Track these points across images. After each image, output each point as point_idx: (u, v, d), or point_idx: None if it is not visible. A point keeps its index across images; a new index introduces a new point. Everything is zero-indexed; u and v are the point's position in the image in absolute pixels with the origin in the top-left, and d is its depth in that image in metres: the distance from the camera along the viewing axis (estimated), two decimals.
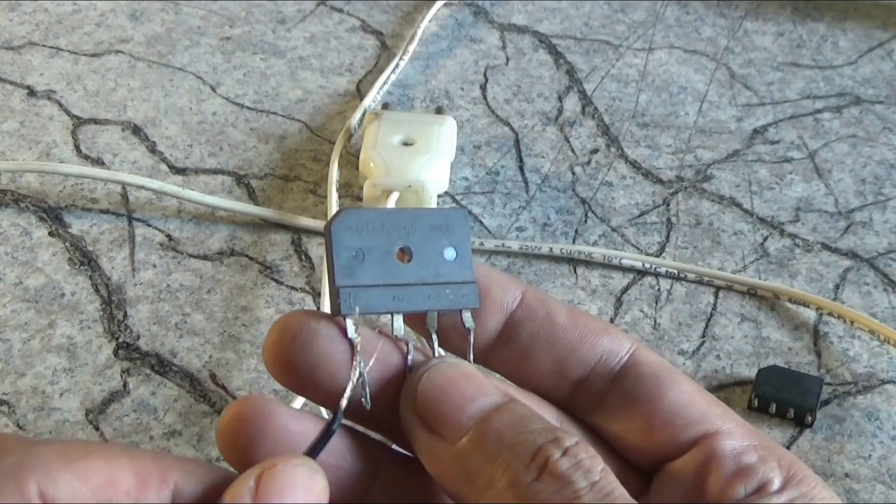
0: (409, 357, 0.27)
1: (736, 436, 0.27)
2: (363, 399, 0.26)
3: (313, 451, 0.25)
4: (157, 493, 0.24)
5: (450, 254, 0.27)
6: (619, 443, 0.28)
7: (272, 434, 0.25)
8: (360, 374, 0.26)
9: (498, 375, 0.29)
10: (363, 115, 0.56)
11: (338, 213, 0.26)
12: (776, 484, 0.26)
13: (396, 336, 0.27)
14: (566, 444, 0.24)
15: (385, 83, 0.59)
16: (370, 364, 0.26)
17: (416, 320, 0.28)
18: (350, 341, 0.26)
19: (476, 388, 0.26)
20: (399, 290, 0.26)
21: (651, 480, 0.28)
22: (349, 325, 0.26)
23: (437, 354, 0.28)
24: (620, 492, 0.24)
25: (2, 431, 0.43)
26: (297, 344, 0.25)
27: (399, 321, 0.27)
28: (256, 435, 0.25)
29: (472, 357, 0.28)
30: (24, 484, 0.22)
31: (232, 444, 0.25)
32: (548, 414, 0.28)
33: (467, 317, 0.27)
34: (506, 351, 0.28)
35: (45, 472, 0.22)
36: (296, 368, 0.26)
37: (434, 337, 0.28)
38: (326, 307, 0.47)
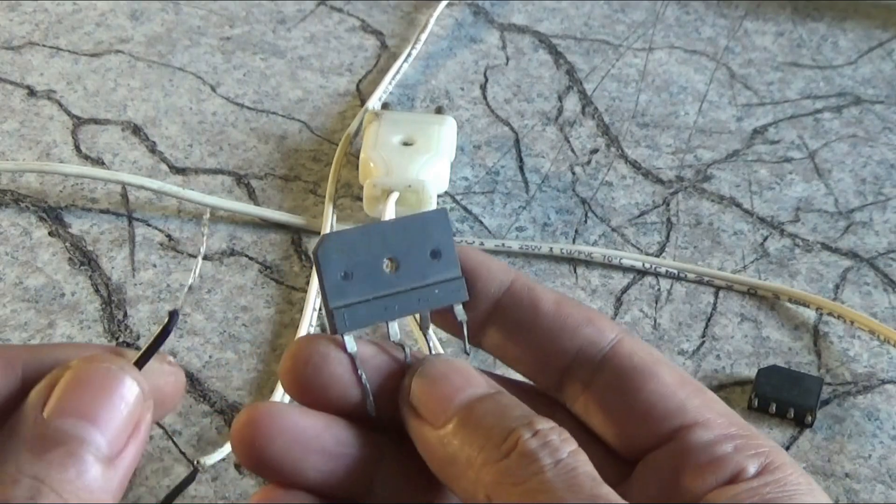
0: (407, 359, 0.28)
1: (713, 427, 0.28)
2: (368, 408, 0.28)
3: (141, 361, 0.26)
4: (4, 376, 0.25)
5: (435, 254, 0.28)
6: (600, 432, 0.29)
7: (283, 433, 0.27)
8: (364, 385, 0.28)
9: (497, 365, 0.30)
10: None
11: (322, 239, 0.27)
12: (751, 472, 0.27)
13: (394, 342, 0.28)
14: (538, 427, 0.25)
15: (390, 84, 0.59)
16: (368, 375, 0.28)
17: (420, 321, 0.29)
18: (350, 356, 0.28)
19: (465, 380, 0.27)
20: (390, 299, 0.28)
21: (633, 469, 0.29)
22: (347, 341, 0.27)
23: (433, 353, 0.29)
24: (585, 469, 0.25)
25: None
26: (310, 370, 0.27)
27: (394, 327, 0.28)
28: (268, 436, 0.26)
29: (466, 347, 0.29)
30: None
31: (247, 449, 0.27)
32: (540, 406, 0.29)
33: (459, 310, 0.29)
34: (494, 336, 0.29)
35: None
36: (311, 391, 0.28)
37: (430, 334, 0.29)
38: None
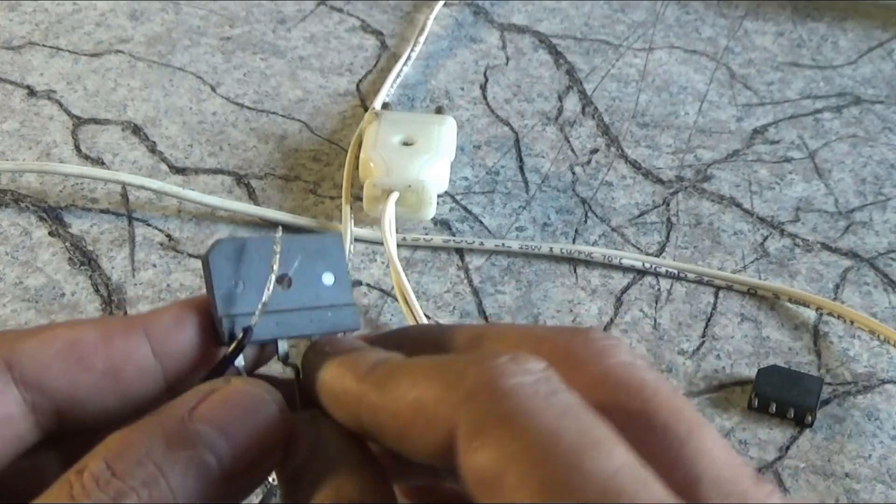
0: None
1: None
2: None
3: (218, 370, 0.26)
4: (124, 341, 0.26)
5: (328, 279, 0.28)
6: None
7: None
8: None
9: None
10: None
11: (214, 243, 0.26)
12: None
13: (283, 361, 0.27)
14: None
15: (393, 85, 0.59)
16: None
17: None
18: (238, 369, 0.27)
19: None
20: (281, 315, 0.27)
21: None
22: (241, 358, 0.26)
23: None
24: None
25: None
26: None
27: (284, 346, 0.27)
28: None
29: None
30: None
31: None
32: None
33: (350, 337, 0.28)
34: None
35: (7, 344, 0.25)
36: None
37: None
38: None
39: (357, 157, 0.53)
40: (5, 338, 0.26)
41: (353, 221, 0.51)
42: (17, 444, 0.25)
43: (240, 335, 0.26)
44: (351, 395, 0.24)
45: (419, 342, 0.27)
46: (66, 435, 0.25)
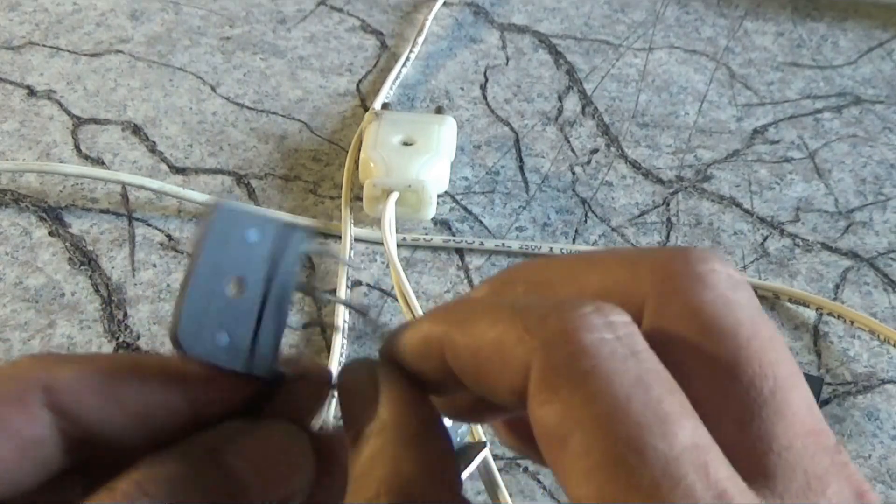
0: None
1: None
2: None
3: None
4: (161, 385, 0.26)
5: (252, 236, 0.26)
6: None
7: None
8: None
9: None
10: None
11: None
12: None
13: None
14: None
15: (393, 85, 0.59)
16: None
17: None
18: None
19: None
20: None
21: None
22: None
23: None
24: None
25: None
26: None
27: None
28: None
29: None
30: (28, 378, 0.25)
31: None
32: None
33: (309, 248, 0.28)
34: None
35: (47, 368, 0.25)
36: None
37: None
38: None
39: (357, 158, 0.53)
40: (45, 361, 0.26)
41: (353, 221, 0.52)
42: (45, 468, 0.25)
43: (269, 377, 0.27)
44: (434, 338, 0.23)
45: (510, 280, 0.25)
46: (93, 465, 0.26)
